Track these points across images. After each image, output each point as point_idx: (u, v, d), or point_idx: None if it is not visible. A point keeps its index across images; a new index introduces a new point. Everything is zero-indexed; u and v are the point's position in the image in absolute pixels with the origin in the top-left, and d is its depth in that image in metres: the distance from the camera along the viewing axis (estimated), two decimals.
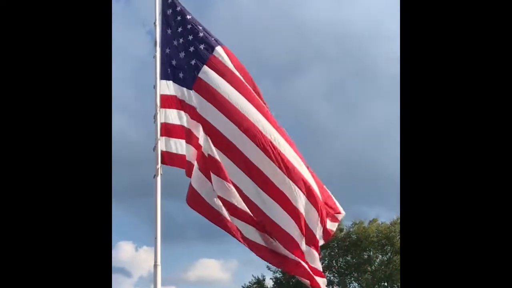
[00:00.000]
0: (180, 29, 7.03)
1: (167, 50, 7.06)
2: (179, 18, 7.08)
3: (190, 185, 6.56)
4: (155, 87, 6.95)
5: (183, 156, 6.82)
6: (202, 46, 6.90)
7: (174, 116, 6.94)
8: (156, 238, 6.37)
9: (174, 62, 7.01)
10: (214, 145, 6.53)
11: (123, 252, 52.91)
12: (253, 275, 38.36)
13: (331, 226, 6.78)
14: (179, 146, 6.85)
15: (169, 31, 7.09)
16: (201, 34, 6.96)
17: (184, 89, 6.88)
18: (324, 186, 6.83)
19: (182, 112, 6.91)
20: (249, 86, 6.83)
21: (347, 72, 55.09)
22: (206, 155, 6.51)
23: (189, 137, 6.79)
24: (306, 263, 6.41)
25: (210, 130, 6.60)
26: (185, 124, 6.87)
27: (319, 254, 6.70)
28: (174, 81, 6.97)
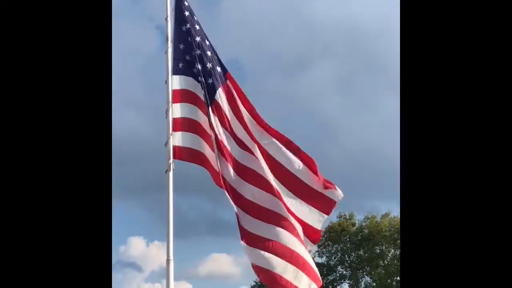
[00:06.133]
0: (197, 27, 7.08)
1: (181, 46, 7.03)
2: (196, 18, 7.12)
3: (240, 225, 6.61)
4: (166, 82, 6.93)
5: (196, 151, 6.81)
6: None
7: (187, 111, 6.91)
8: (168, 233, 6.37)
9: (188, 58, 6.99)
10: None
11: (134, 247, 53.15)
12: None
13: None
14: (192, 140, 6.83)
15: (183, 28, 7.07)
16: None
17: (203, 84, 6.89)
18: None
19: (196, 107, 6.90)
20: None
21: (356, 66, 54.87)
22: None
23: (203, 133, 6.81)
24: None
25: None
26: (199, 119, 6.86)
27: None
28: (190, 76, 6.94)
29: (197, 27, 7.09)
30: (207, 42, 7.07)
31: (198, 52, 6.98)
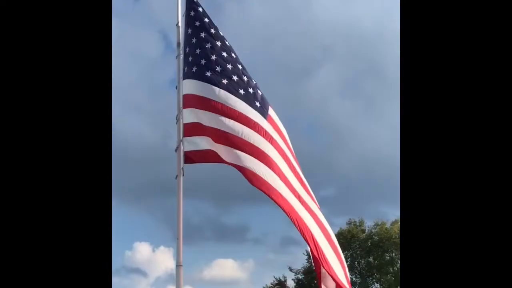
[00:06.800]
0: (204, 32, 7.01)
1: (186, 49, 6.97)
2: (206, 20, 7.05)
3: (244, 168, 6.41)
4: (177, 87, 6.91)
5: (208, 151, 6.67)
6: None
7: (195, 115, 6.75)
8: (178, 238, 6.39)
9: (190, 59, 6.88)
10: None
11: (140, 252, 53.11)
12: (274, 276, 38.44)
13: None
14: (203, 142, 6.70)
15: (189, 31, 7.02)
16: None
17: (212, 86, 6.70)
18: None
19: (208, 112, 6.68)
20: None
21: (360, 71, 54.75)
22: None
23: (217, 135, 6.63)
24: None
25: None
26: (210, 123, 6.66)
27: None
28: (198, 79, 6.79)
29: (198, 23, 7.03)
30: (208, 45, 6.94)
31: (199, 52, 6.91)
